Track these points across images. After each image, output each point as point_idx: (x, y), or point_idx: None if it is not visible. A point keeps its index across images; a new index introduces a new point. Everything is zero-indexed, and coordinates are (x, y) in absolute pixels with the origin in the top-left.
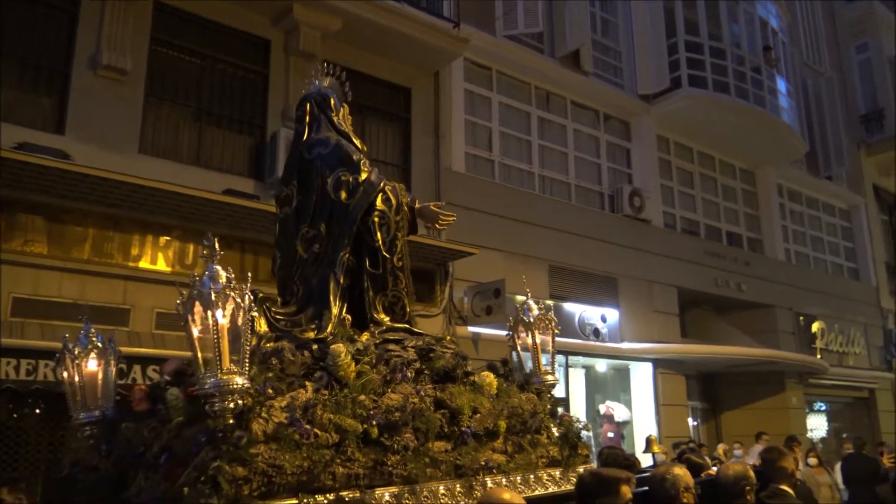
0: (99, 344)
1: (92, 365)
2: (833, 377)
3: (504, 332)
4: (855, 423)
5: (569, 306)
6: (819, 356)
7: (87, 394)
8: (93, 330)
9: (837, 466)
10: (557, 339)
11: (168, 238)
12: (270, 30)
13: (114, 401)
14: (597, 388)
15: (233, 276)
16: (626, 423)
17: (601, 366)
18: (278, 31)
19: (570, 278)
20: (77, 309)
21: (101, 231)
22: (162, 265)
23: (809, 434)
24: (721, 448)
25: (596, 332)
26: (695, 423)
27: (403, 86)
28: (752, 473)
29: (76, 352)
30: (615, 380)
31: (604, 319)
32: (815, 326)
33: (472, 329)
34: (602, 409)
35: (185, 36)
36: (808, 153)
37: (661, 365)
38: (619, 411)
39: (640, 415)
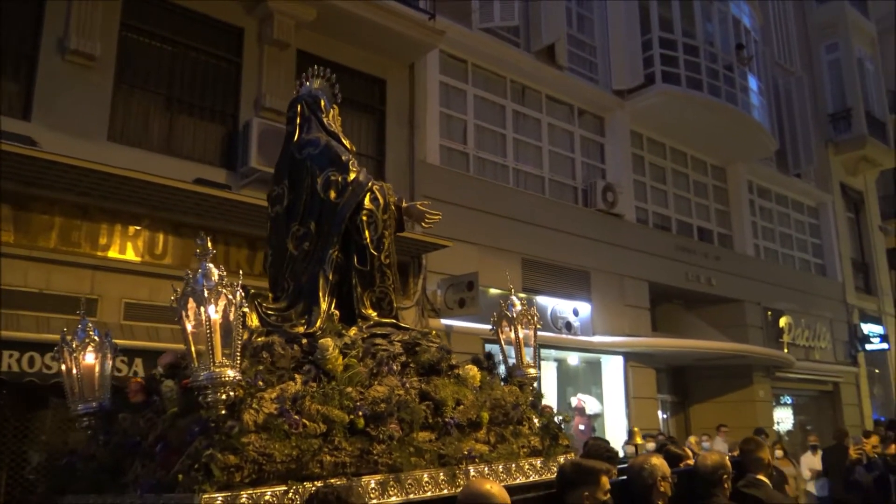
0: (96, 337)
1: (89, 358)
2: (799, 371)
3: (476, 325)
4: (820, 416)
5: (541, 299)
6: (786, 350)
7: (85, 386)
8: (90, 324)
9: (802, 458)
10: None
11: (137, 227)
12: (244, 18)
13: (110, 392)
14: (568, 381)
15: (225, 273)
16: (597, 416)
17: (573, 359)
18: (252, 19)
19: (542, 272)
20: (43, 299)
21: (69, 220)
22: (131, 255)
23: (776, 426)
24: (693, 439)
25: (568, 326)
26: (664, 416)
27: (378, 77)
28: (728, 463)
29: (74, 345)
30: (586, 373)
31: (576, 313)
32: (782, 321)
33: (444, 321)
34: (574, 401)
35: (156, 22)
36: (777, 151)
37: (632, 358)
38: (590, 404)
39: (611, 408)
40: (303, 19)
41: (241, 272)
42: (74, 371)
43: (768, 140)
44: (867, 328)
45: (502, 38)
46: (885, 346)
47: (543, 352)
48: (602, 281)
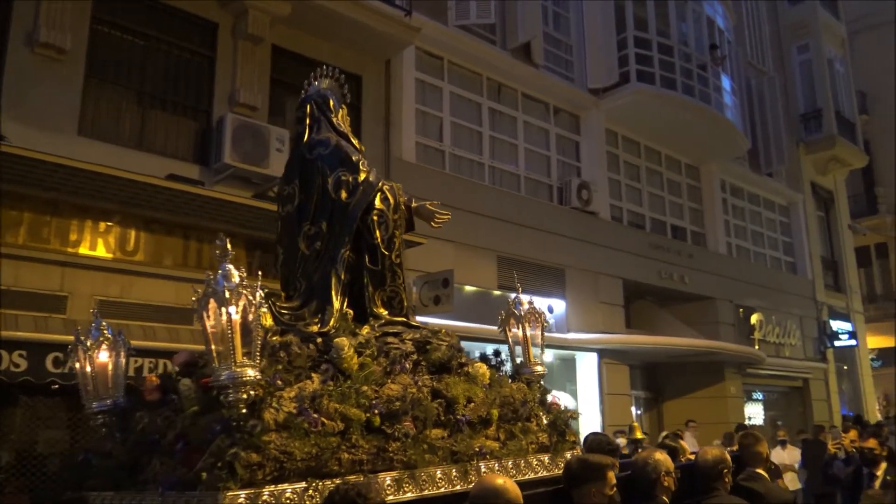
0: (110, 336)
1: (103, 357)
2: (770, 367)
3: (452, 322)
4: (790, 411)
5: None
6: (757, 347)
7: (99, 384)
8: (104, 323)
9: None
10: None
11: (109, 223)
12: (218, 12)
13: (125, 391)
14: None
15: (245, 274)
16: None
17: (547, 356)
18: (226, 13)
19: (518, 269)
20: (11, 296)
21: (38, 215)
22: (102, 251)
23: (747, 422)
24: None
25: None
26: (638, 412)
27: (354, 73)
28: (728, 457)
29: (88, 343)
30: (561, 370)
31: (550, 310)
32: (753, 318)
33: (419, 319)
34: (549, 398)
35: (128, 15)
36: (750, 150)
37: (606, 355)
38: (564, 401)
39: (585, 404)
40: (278, 14)
41: (259, 273)
42: (88, 369)
43: (741, 139)
44: (836, 325)
45: (478, 35)
46: (853, 342)
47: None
48: (577, 278)
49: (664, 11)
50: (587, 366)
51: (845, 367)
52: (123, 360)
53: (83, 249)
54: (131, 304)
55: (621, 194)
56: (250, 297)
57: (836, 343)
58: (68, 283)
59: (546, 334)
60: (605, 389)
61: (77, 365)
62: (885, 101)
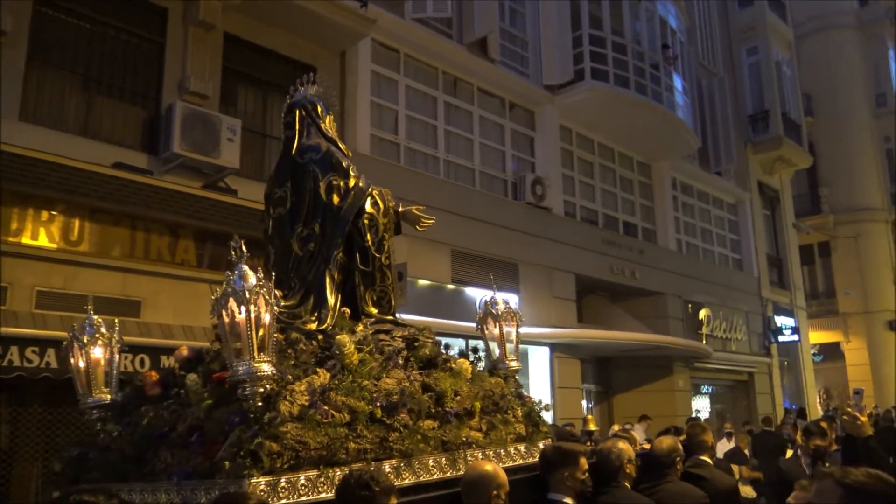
0: (105, 332)
1: (97, 352)
2: (717, 361)
3: (405, 316)
4: (735, 404)
5: (470, 291)
6: (704, 342)
7: (94, 380)
8: (98, 320)
9: (718, 444)
10: (457, 322)
11: (52, 212)
12: None
13: (120, 386)
14: None
15: (261, 275)
16: None
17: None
18: None
19: (471, 263)
20: None
21: None
22: (44, 241)
23: (694, 415)
24: (616, 427)
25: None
26: (589, 406)
27: (308, 63)
28: (681, 447)
29: (84, 340)
30: None
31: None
32: (701, 313)
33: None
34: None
35: None
36: (700, 149)
37: (558, 349)
38: None
39: (537, 397)
40: (230, 1)
41: (272, 275)
42: (83, 365)
43: (691, 138)
44: (780, 321)
45: (435, 29)
46: (795, 337)
47: (471, 343)
48: (530, 273)
49: (619, 11)
50: (539, 359)
51: (786, 362)
52: (117, 357)
53: (25, 239)
54: (75, 296)
55: (575, 190)
56: (266, 297)
57: (780, 338)
58: (8, 274)
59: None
60: (557, 383)
61: (72, 360)
62: (830, 103)
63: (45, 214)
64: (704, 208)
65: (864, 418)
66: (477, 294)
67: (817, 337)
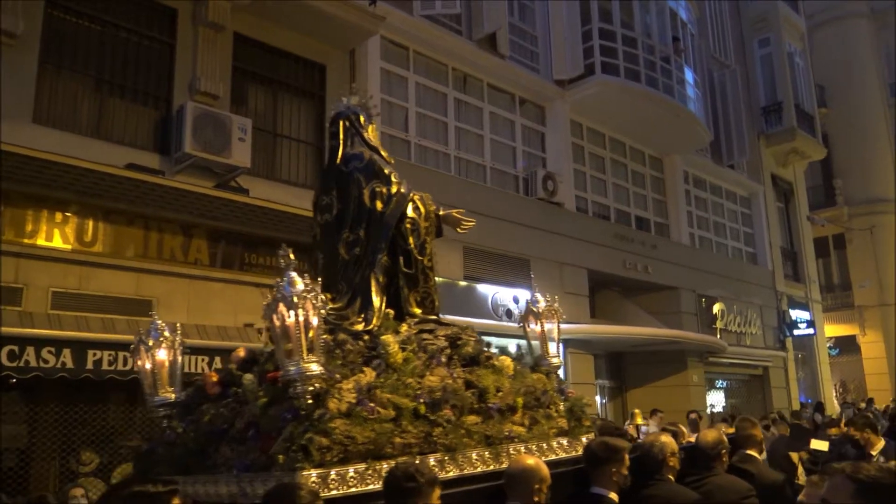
0: (168, 336)
1: (162, 354)
2: (731, 356)
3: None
4: (750, 398)
5: (482, 287)
6: (718, 336)
7: (159, 380)
8: (162, 323)
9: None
10: (469, 319)
11: (66, 214)
12: None
13: (184, 385)
14: None
15: (308, 281)
16: None
17: (513, 346)
18: (186, 0)
19: (484, 260)
20: None
21: None
22: (59, 242)
23: (708, 410)
24: (639, 420)
25: (508, 313)
26: (603, 401)
27: (318, 62)
28: (726, 440)
29: (150, 343)
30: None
31: (516, 301)
32: (715, 308)
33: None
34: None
35: (84, 0)
36: (712, 142)
37: (571, 345)
38: None
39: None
40: (239, 1)
41: (319, 280)
42: (149, 367)
43: (703, 132)
44: (795, 314)
45: (444, 25)
46: (810, 331)
47: (484, 339)
48: (542, 269)
49: (628, 4)
50: None
51: (800, 355)
52: (180, 358)
53: (39, 240)
54: (90, 296)
55: (586, 185)
56: (314, 302)
57: (795, 332)
58: (23, 275)
59: (511, 324)
60: (571, 378)
61: (139, 363)
62: (843, 94)
63: (59, 216)
64: (717, 202)
65: None
66: (489, 290)
67: (833, 330)
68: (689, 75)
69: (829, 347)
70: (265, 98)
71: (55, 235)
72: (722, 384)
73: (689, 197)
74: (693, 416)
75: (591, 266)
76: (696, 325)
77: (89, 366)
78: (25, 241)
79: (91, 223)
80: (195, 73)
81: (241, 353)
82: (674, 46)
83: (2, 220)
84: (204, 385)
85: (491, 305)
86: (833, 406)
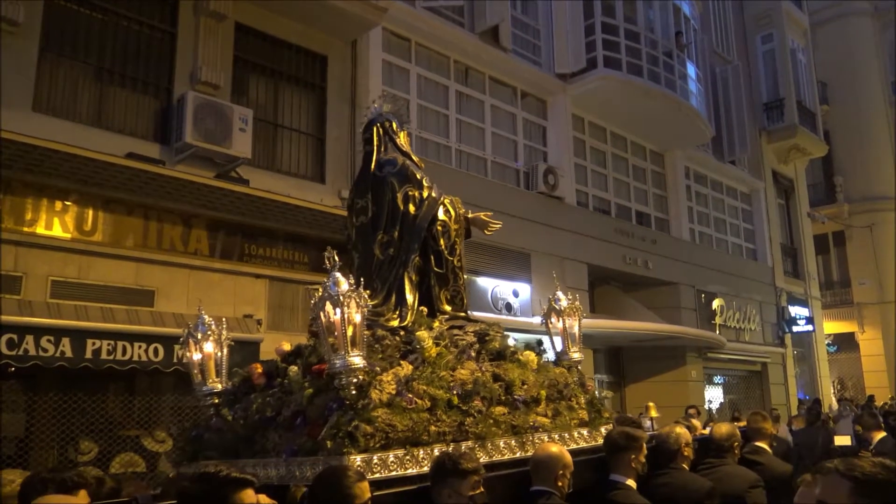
0: (215, 329)
1: (209, 347)
2: (730, 352)
3: None
4: (749, 394)
5: (482, 281)
6: (717, 332)
7: (207, 370)
8: (208, 318)
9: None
10: (470, 313)
11: (66, 202)
12: None
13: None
14: None
15: (353, 282)
16: None
17: (512, 340)
18: None
19: (484, 253)
20: None
21: None
22: (59, 231)
23: (707, 405)
24: (654, 413)
25: (508, 307)
26: (601, 396)
27: (320, 53)
28: (738, 433)
29: (198, 336)
30: None
31: (516, 294)
32: (715, 303)
33: None
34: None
35: None
36: (714, 137)
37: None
38: None
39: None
40: None
41: (361, 280)
42: (198, 358)
43: (705, 127)
44: (794, 311)
45: (446, 17)
46: (809, 327)
47: None
48: (542, 263)
49: None
50: (551, 349)
51: (796, 352)
52: (226, 350)
53: (39, 229)
54: (89, 285)
55: (587, 180)
56: (358, 300)
57: (794, 328)
58: (23, 264)
59: (511, 318)
60: None
61: (187, 354)
62: (845, 91)
63: (59, 205)
64: (718, 197)
65: None
66: (489, 284)
67: (832, 327)
68: (691, 70)
69: (828, 344)
70: (266, 88)
71: (55, 224)
72: (720, 380)
73: (690, 192)
74: (692, 411)
75: (591, 261)
76: (695, 321)
77: (88, 355)
78: (25, 229)
79: (91, 212)
80: (196, 62)
81: (287, 346)
82: (676, 41)
83: (1, 208)
84: (250, 376)
85: (491, 299)
86: (831, 403)
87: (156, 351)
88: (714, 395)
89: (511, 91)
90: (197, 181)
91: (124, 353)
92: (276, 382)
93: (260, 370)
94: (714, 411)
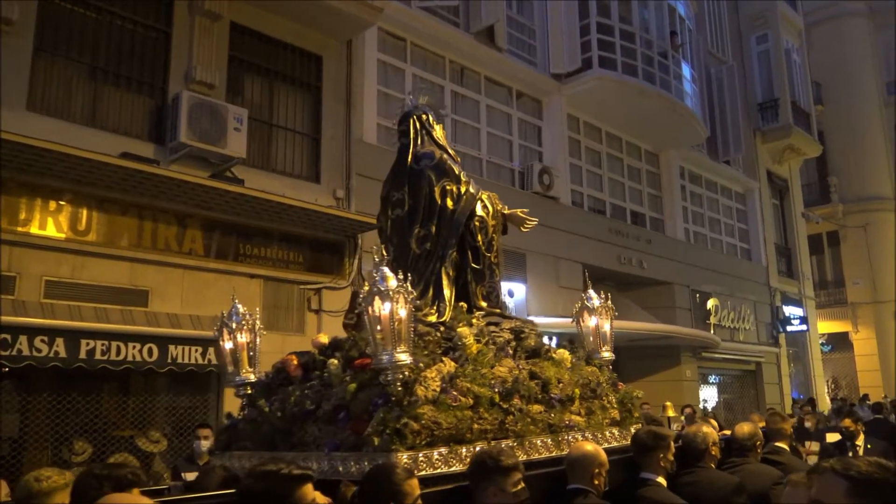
0: (248, 319)
1: (242, 337)
2: (724, 351)
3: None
4: (743, 394)
5: None
6: (712, 331)
7: (240, 361)
8: (242, 309)
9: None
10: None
11: (60, 202)
12: None
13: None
14: None
15: (401, 278)
16: None
17: None
18: None
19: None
20: None
21: None
22: (52, 231)
23: (702, 405)
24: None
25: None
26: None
27: (315, 53)
28: (760, 432)
29: (232, 325)
30: None
31: (511, 294)
32: (709, 303)
33: None
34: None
35: None
36: (708, 138)
37: (566, 339)
38: None
39: None
40: None
41: (409, 277)
42: (231, 347)
43: (699, 127)
44: (788, 310)
45: (442, 17)
46: (804, 327)
47: None
48: (537, 263)
49: None
50: None
51: (790, 351)
52: (259, 341)
53: (33, 229)
54: (83, 285)
55: (582, 180)
56: (405, 296)
57: (789, 328)
58: (17, 264)
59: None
60: None
61: (222, 344)
62: (840, 92)
63: (52, 204)
64: (713, 197)
65: None
66: None
67: (826, 327)
68: (686, 71)
69: (822, 344)
70: (261, 88)
71: (49, 224)
72: (715, 379)
73: (685, 192)
74: (688, 410)
75: (586, 260)
76: (689, 321)
77: (82, 355)
78: (19, 229)
79: (85, 212)
80: (191, 62)
81: (323, 339)
82: (671, 42)
83: None
84: (285, 368)
85: None
86: (825, 402)
87: (150, 351)
88: (709, 395)
89: (506, 91)
90: (191, 181)
91: (118, 353)
92: (314, 375)
93: (296, 362)
94: (709, 410)
